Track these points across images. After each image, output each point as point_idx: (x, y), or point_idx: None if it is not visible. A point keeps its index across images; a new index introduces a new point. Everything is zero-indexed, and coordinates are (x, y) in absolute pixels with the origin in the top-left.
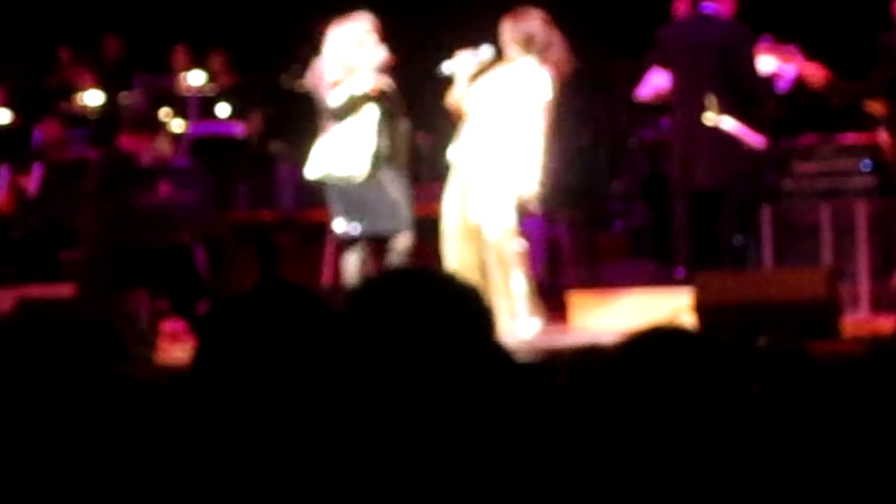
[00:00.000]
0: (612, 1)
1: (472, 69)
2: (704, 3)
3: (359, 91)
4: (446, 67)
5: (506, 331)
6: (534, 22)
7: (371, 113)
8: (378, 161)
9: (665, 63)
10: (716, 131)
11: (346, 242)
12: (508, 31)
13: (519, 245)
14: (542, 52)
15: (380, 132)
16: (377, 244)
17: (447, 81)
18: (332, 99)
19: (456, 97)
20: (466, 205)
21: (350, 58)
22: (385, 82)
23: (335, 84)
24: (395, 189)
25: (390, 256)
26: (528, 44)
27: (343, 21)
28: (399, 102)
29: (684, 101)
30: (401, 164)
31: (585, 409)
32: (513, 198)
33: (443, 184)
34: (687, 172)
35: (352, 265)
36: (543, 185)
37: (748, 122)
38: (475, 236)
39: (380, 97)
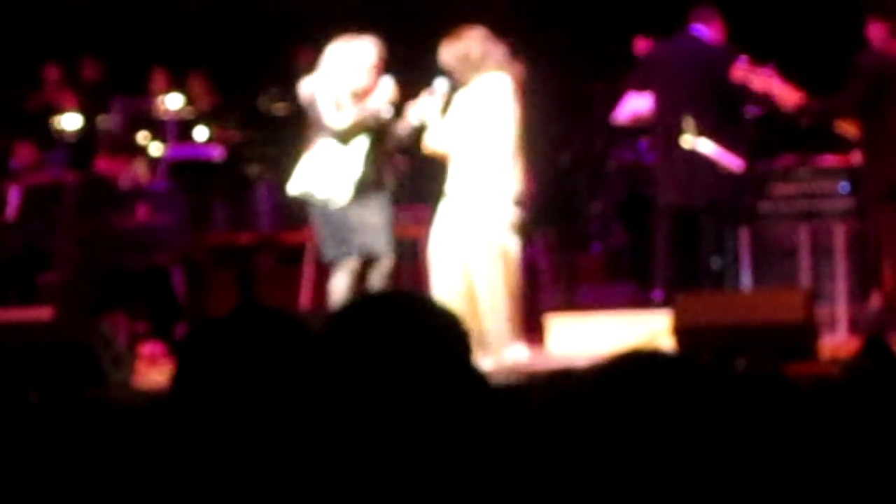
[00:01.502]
0: (590, 24)
1: (437, 108)
2: (694, 25)
3: (367, 116)
4: (413, 117)
5: (493, 356)
6: (467, 41)
7: (362, 141)
8: (362, 188)
9: (649, 83)
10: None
11: (334, 265)
12: (445, 56)
13: (508, 274)
14: (481, 67)
15: (367, 161)
16: (361, 266)
17: (419, 130)
18: (336, 120)
19: (432, 141)
20: (455, 233)
21: (361, 81)
22: (388, 111)
23: (339, 106)
24: (379, 212)
25: (373, 278)
26: (464, 64)
27: (353, 40)
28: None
29: (669, 121)
30: (386, 188)
31: (561, 433)
32: (499, 223)
33: (421, 206)
34: (671, 191)
35: (340, 288)
36: (521, 206)
37: (727, 144)
38: (463, 265)
39: (376, 127)
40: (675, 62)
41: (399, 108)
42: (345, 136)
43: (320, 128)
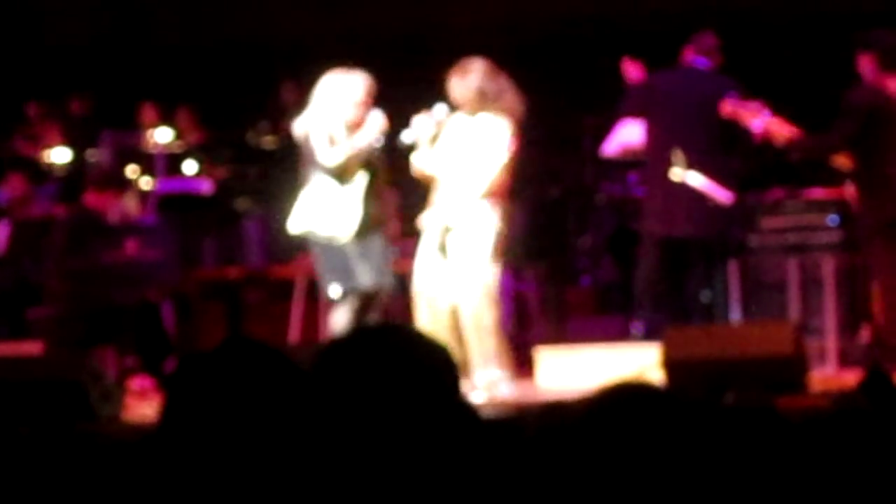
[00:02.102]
0: (579, 56)
1: (432, 131)
2: (692, 57)
3: (358, 150)
4: (406, 136)
5: (479, 390)
6: (479, 74)
7: (362, 179)
8: (364, 226)
9: (644, 111)
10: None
11: (335, 301)
12: (458, 88)
13: (495, 306)
14: (496, 103)
15: (367, 198)
16: (360, 301)
17: (409, 149)
18: (329, 157)
19: (421, 164)
20: (440, 266)
21: (351, 115)
22: (380, 142)
23: (332, 141)
24: (380, 248)
25: (374, 312)
26: (482, 99)
27: (343, 74)
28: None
29: (662, 151)
30: (382, 223)
31: (552, 466)
32: (486, 256)
33: (410, 240)
34: (656, 221)
35: (341, 323)
36: (511, 240)
37: (717, 177)
38: (449, 298)
39: (372, 162)
40: (673, 94)
41: (390, 139)
42: (339, 173)
43: (315, 165)
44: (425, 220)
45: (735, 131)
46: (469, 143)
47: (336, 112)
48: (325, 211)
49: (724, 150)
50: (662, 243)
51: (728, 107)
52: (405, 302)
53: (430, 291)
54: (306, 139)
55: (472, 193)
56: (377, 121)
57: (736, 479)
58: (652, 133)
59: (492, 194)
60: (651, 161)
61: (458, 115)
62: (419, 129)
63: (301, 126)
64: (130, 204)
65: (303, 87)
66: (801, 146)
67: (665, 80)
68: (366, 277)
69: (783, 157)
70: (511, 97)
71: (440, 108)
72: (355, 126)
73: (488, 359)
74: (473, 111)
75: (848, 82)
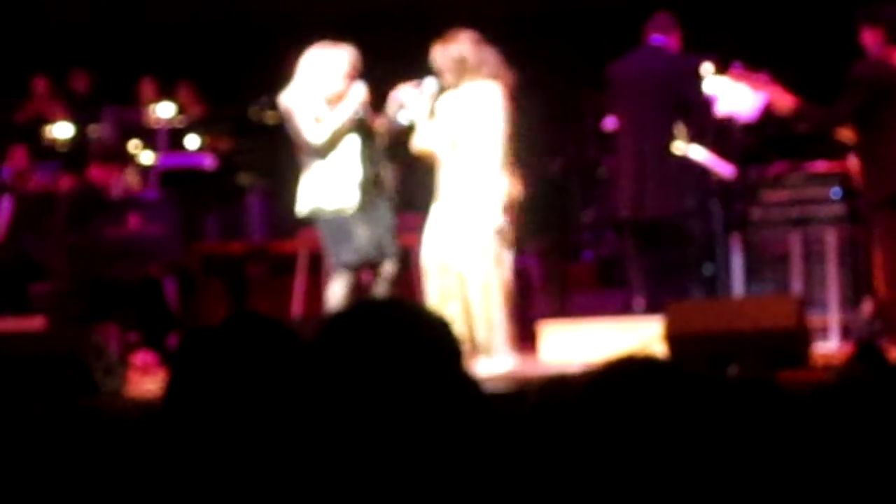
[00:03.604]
0: (580, 32)
1: (427, 107)
2: (652, 36)
3: (341, 124)
4: (403, 117)
5: (482, 364)
6: (463, 44)
7: (353, 142)
8: (367, 188)
9: (614, 97)
10: (666, 162)
11: (335, 271)
12: (439, 57)
13: (502, 281)
14: (476, 73)
15: (364, 160)
16: (363, 272)
17: (408, 132)
18: (315, 135)
19: (421, 141)
20: (448, 239)
21: (335, 88)
22: (362, 111)
23: (317, 119)
24: (383, 216)
25: (378, 284)
26: (461, 67)
27: (327, 48)
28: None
29: (634, 133)
30: (386, 191)
31: (554, 439)
32: (493, 231)
33: (412, 214)
34: (636, 204)
35: (337, 295)
36: (512, 213)
37: (716, 150)
38: (457, 271)
39: (360, 126)
40: (634, 75)
41: (379, 112)
42: (324, 150)
43: (299, 142)
44: (436, 201)
45: (696, 109)
46: (463, 116)
47: (320, 86)
48: (327, 185)
49: (701, 126)
50: (642, 223)
51: (734, 77)
52: (409, 276)
53: (438, 266)
54: (289, 116)
55: (475, 166)
56: (358, 92)
57: (738, 453)
58: (623, 116)
59: (497, 166)
60: (624, 142)
61: (449, 90)
62: (413, 107)
63: (284, 102)
64: (132, 179)
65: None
66: (808, 116)
67: (626, 63)
68: (369, 249)
69: (787, 129)
70: (493, 67)
71: (430, 82)
72: (337, 98)
73: (494, 335)
74: (456, 80)
75: (850, 56)
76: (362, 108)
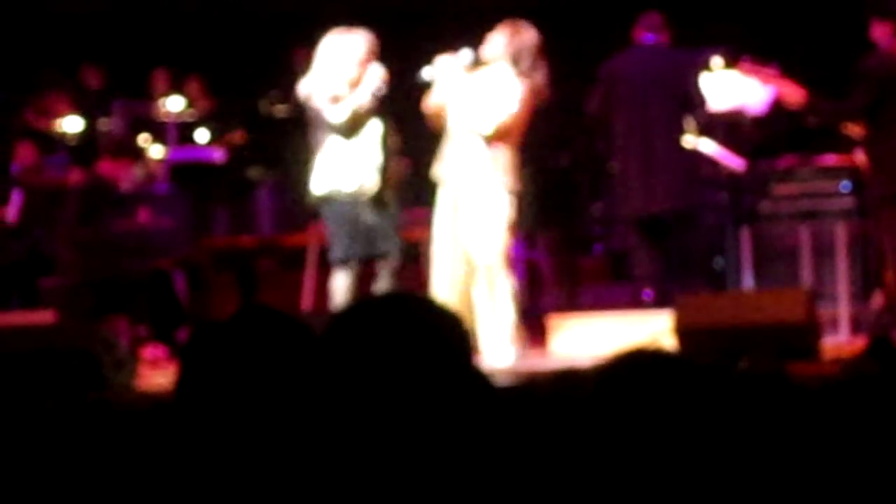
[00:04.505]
0: (591, 25)
1: (453, 73)
2: (644, 35)
3: (363, 106)
4: (426, 73)
5: (487, 356)
6: (530, 42)
7: (375, 127)
8: (384, 175)
9: (610, 96)
10: (675, 156)
11: (338, 264)
12: (504, 41)
13: (509, 273)
14: (524, 73)
15: (383, 147)
16: (367, 266)
17: (425, 90)
18: (335, 114)
19: (433, 102)
20: (457, 228)
21: (354, 73)
22: (381, 90)
23: (336, 99)
24: (389, 213)
25: (381, 279)
26: (517, 59)
27: (345, 34)
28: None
29: (639, 130)
30: (395, 183)
31: (565, 433)
32: (502, 221)
33: (422, 209)
34: (646, 199)
35: (341, 288)
36: (523, 205)
37: (726, 144)
38: (466, 260)
39: (382, 112)
40: (629, 74)
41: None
42: (345, 129)
43: (320, 125)
44: (438, 173)
45: (696, 104)
46: (483, 95)
47: (339, 71)
48: (346, 167)
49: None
50: (636, 223)
51: (743, 71)
52: (417, 270)
53: (447, 251)
54: (308, 100)
55: (483, 139)
56: (376, 73)
57: (748, 446)
58: (622, 113)
59: (504, 149)
60: (625, 140)
61: (481, 69)
62: (440, 68)
63: (304, 88)
64: (142, 172)
65: (314, 54)
66: (818, 109)
67: (623, 62)
68: (373, 243)
69: (798, 122)
70: (540, 78)
71: (466, 53)
72: (356, 83)
73: (503, 326)
74: (526, 68)
75: (859, 49)
76: (384, 86)
